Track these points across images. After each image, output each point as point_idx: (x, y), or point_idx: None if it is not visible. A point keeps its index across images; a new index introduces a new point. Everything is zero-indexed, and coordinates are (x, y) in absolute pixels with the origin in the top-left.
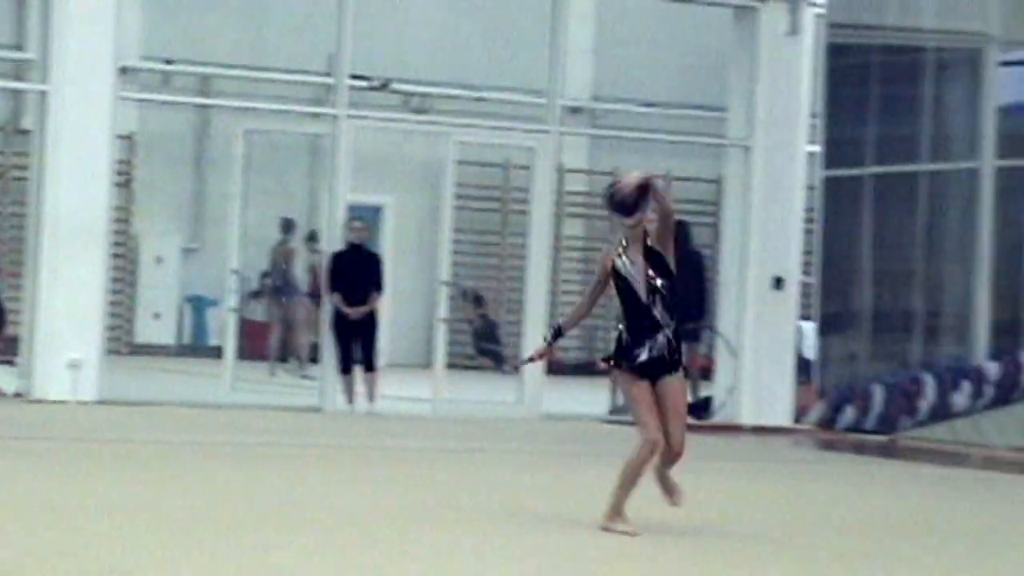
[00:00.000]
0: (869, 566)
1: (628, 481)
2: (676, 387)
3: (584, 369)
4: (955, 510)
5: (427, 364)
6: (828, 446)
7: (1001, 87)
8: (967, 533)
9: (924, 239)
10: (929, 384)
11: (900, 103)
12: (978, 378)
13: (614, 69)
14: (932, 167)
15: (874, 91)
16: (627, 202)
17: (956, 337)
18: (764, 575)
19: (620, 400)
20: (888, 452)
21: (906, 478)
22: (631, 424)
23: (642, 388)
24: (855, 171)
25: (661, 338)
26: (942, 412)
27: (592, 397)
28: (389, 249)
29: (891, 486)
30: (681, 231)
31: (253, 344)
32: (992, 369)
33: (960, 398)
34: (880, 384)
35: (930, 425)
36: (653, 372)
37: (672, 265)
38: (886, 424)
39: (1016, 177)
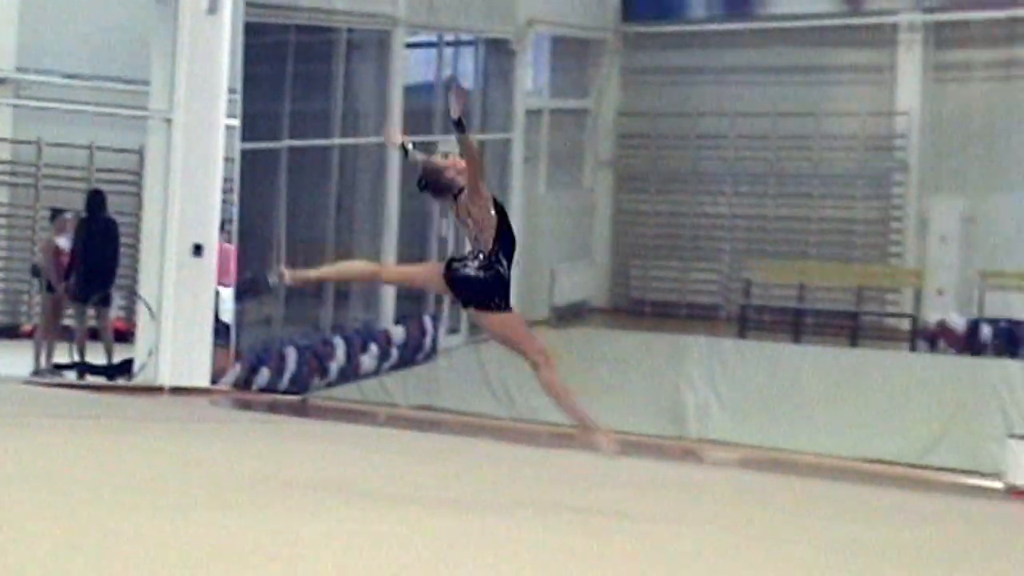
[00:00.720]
0: (266, 514)
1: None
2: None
3: (5, 333)
4: (360, 464)
5: None
6: (244, 406)
7: (407, 68)
8: (365, 486)
9: (335, 209)
10: (339, 346)
11: (314, 80)
12: (385, 341)
13: (39, 40)
14: (344, 141)
15: (289, 69)
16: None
17: (365, 303)
18: (183, 524)
19: (44, 362)
20: (300, 411)
21: (316, 435)
22: (56, 386)
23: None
24: (271, 144)
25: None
26: (351, 373)
27: (15, 359)
28: None
29: (300, 443)
30: (96, 200)
31: None
32: (398, 332)
33: (368, 359)
34: (293, 347)
35: (340, 385)
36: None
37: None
38: (299, 384)
39: (419, 150)
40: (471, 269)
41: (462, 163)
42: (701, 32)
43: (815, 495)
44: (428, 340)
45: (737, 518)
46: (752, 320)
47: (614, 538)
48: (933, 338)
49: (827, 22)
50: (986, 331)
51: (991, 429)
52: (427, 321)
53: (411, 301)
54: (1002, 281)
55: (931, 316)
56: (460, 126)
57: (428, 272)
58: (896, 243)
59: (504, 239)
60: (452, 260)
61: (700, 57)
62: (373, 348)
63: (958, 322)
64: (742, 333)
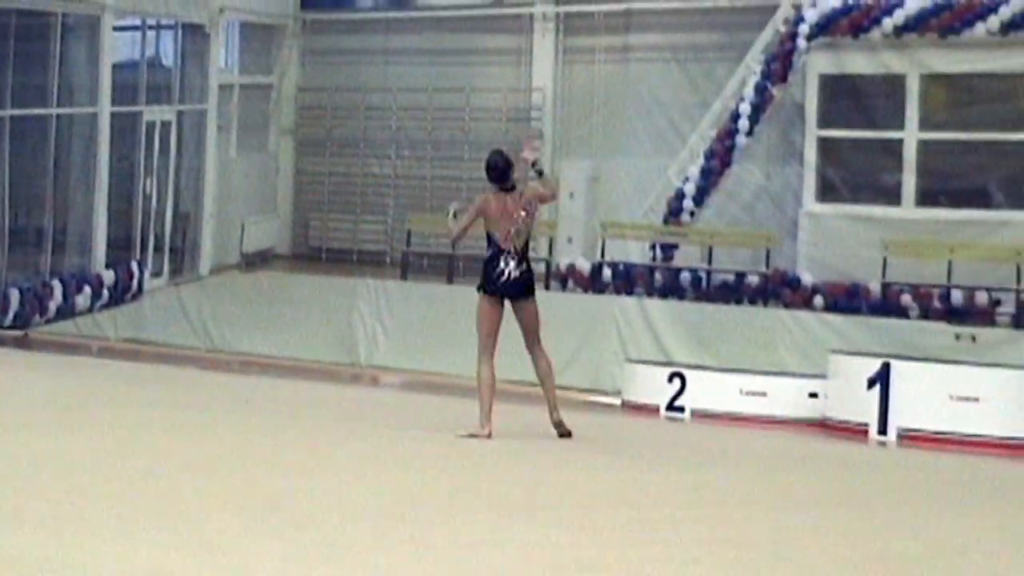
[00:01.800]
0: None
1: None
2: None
3: None
4: (77, 390)
5: None
6: None
7: (114, 48)
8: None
9: (54, 171)
10: (57, 288)
11: (33, 58)
12: (97, 283)
13: None
14: (61, 111)
15: (11, 47)
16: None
17: (80, 250)
18: None
19: None
20: (23, 344)
21: (38, 364)
22: None
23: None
24: None
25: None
26: (68, 311)
27: None
28: None
29: (24, 371)
30: None
31: None
32: (109, 276)
33: (82, 299)
34: (16, 288)
35: (58, 321)
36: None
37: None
38: (21, 321)
39: (126, 120)
40: (515, 271)
41: (537, 192)
42: (369, 19)
43: (465, 412)
44: (135, 282)
45: (392, 430)
46: (413, 264)
47: (288, 440)
48: (564, 279)
49: (474, 12)
50: (607, 272)
51: (611, 355)
52: (134, 266)
53: (120, 248)
54: (620, 231)
55: (563, 260)
56: (538, 171)
57: (491, 316)
58: None
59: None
60: (492, 277)
61: (368, 40)
62: (87, 289)
63: (584, 265)
64: (404, 275)
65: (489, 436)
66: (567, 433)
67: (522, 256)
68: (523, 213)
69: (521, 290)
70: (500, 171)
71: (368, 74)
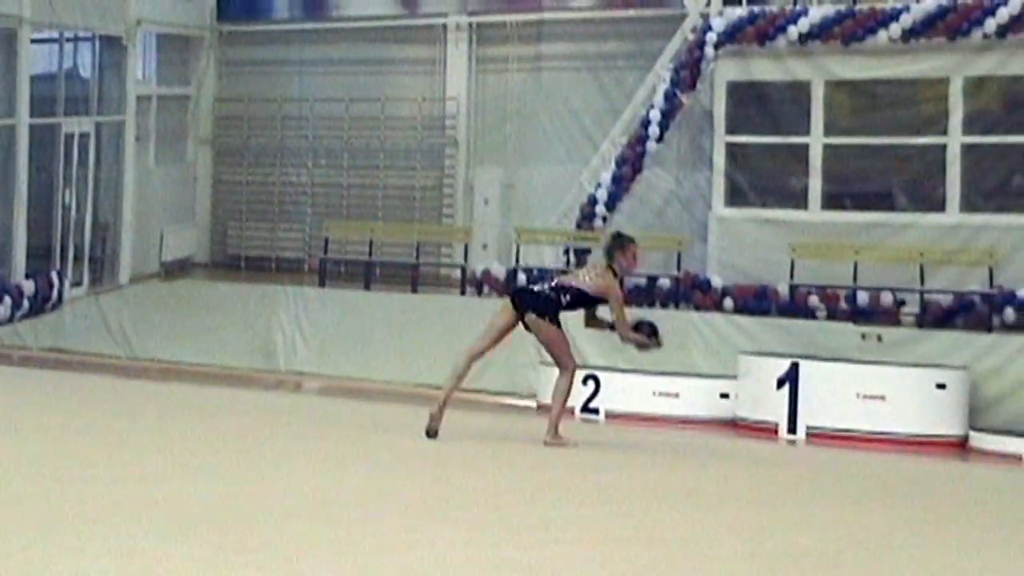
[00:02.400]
0: None
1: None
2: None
3: None
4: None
5: None
6: None
7: (32, 60)
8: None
9: None
10: None
11: None
12: (18, 293)
13: None
14: None
15: None
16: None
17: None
18: None
19: None
20: None
21: None
22: None
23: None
24: None
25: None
26: None
27: None
28: None
29: None
30: None
31: None
32: (29, 286)
33: (2, 309)
34: None
35: None
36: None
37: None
38: None
39: (45, 131)
40: (538, 287)
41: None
42: (285, 30)
43: (384, 415)
44: (55, 292)
45: (311, 434)
46: (330, 271)
47: (208, 445)
48: (480, 284)
49: (389, 23)
50: (522, 277)
51: (526, 358)
52: (54, 276)
53: (40, 259)
54: (534, 236)
55: (478, 266)
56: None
57: (500, 315)
58: (448, 206)
59: (580, 299)
60: (520, 288)
61: (284, 51)
62: (7, 299)
63: (499, 270)
64: (322, 282)
65: (433, 419)
66: (433, 434)
67: (558, 290)
68: (592, 274)
69: (533, 302)
70: (608, 246)
71: (285, 84)
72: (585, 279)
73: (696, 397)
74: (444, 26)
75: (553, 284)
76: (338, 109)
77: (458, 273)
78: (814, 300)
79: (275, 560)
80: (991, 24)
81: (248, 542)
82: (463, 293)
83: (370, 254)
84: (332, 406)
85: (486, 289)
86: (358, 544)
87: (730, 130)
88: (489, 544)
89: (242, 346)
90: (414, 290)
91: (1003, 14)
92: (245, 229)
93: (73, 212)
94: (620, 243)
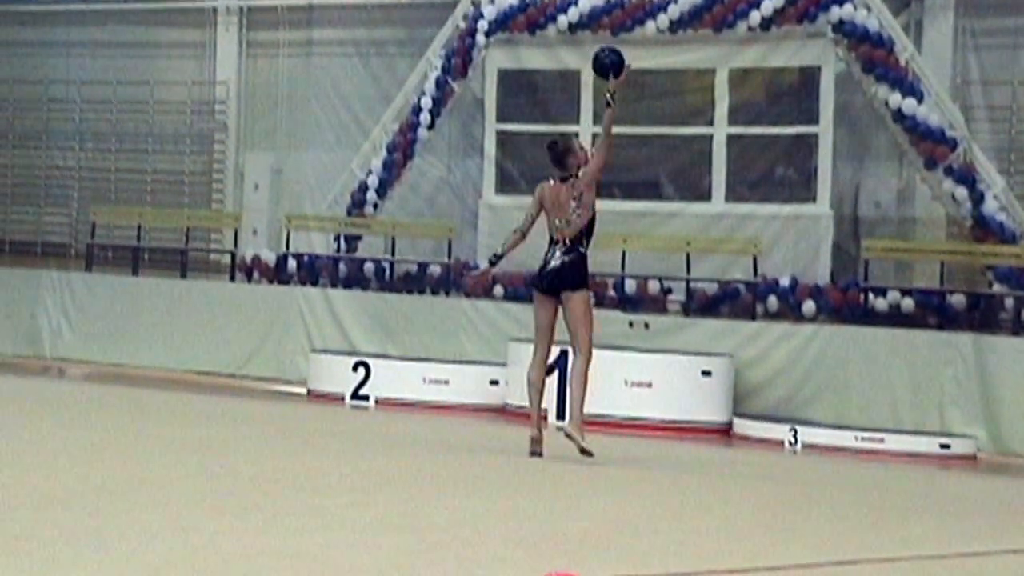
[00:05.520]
0: None
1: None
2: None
3: None
4: None
5: None
6: None
7: None
8: None
9: None
10: None
11: None
12: None
13: None
14: None
15: None
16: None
17: None
18: None
19: None
20: None
21: None
22: None
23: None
24: None
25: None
26: None
27: None
28: None
29: None
30: None
31: None
32: None
33: None
34: None
35: None
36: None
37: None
38: None
39: None
40: (557, 260)
41: (588, 161)
42: (50, 11)
43: (151, 402)
44: None
45: (75, 422)
46: (97, 256)
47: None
48: (249, 270)
49: (157, 4)
50: (292, 264)
51: (296, 345)
52: None
53: None
54: (305, 223)
55: (247, 252)
56: (608, 101)
57: (538, 312)
58: (218, 191)
59: (591, 223)
60: (540, 269)
61: (49, 33)
62: None
63: (269, 256)
64: (89, 267)
65: (535, 443)
66: (587, 451)
67: (571, 247)
68: (573, 203)
69: (559, 280)
70: (555, 156)
71: (50, 67)
72: (576, 211)
73: (466, 384)
74: (214, 9)
75: (566, 246)
76: (105, 92)
77: (228, 259)
78: None
79: (35, 548)
80: (756, 17)
81: (4, 531)
82: (232, 279)
83: (139, 239)
84: (97, 392)
85: (256, 275)
86: (120, 533)
87: (501, 118)
88: (254, 532)
89: (5, 332)
90: (183, 276)
91: (767, 7)
92: (9, 213)
93: None
94: (563, 149)
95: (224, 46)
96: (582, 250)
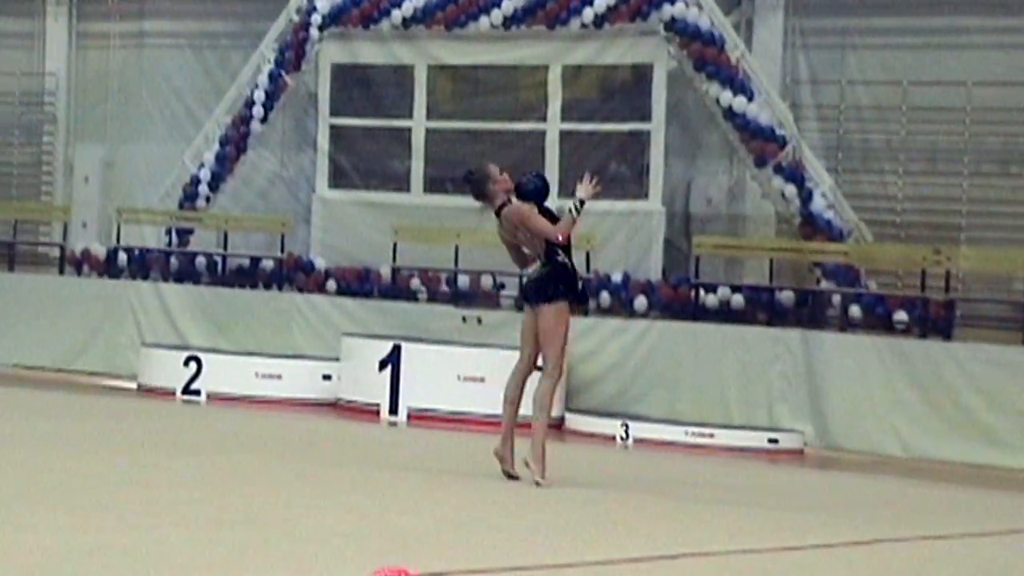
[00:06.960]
0: None
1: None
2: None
3: None
4: None
5: None
6: None
7: None
8: None
9: None
10: None
11: None
12: None
13: None
14: None
15: None
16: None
17: None
18: None
19: None
20: None
21: None
22: None
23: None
24: None
25: None
26: None
27: None
28: None
29: None
30: None
31: None
32: None
33: None
34: None
35: None
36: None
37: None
38: None
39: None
40: (536, 272)
41: (509, 184)
42: None
43: (8, 401)
44: None
45: None
46: None
47: None
48: (79, 264)
49: None
50: (123, 257)
51: (127, 339)
52: None
53: None
54: (136, 216)
55: (77, 245)
56: (575, 207)
57: (525, 323)
58: (48, 183)
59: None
60: (523, 285)
61: None
62: None
63: (100, 250)
64: None
65: (502, 461)
66: (538, 483)
67: (547, 259)
68: (521, 235)
69: (533, 293)
70: (474, 190)
71: None
72: (529, 240)
73: (299, 379)
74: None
75: (542, 260)
76: None
77: (57, 252)
78: (416, 283)
79: None
80: (589, 14)
81: None
82: (62, 272)
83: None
84: None
85: (86, 269)
86: None
87: (334, 112)
88: (89, 528)
89: None
90: (11, 269)
91: (600, 4)
92: None
93: None
94: (479, 178)
95: (54, 36)
96: (559, 259)
